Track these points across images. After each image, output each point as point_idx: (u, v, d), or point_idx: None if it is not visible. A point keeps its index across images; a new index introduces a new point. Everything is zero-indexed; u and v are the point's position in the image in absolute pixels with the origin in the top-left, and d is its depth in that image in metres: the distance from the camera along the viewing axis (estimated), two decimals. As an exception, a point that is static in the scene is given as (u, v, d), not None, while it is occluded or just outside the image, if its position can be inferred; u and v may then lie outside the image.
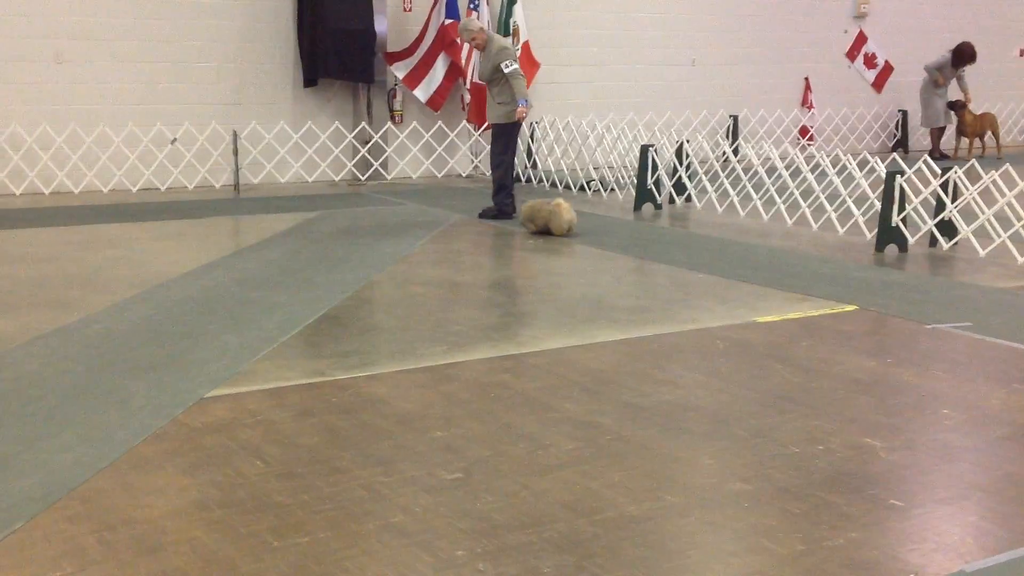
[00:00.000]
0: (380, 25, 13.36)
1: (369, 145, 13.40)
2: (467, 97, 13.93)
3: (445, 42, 13.58)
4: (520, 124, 10.47)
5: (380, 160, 13.56)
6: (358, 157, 13.45)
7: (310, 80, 13.14)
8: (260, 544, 3.41)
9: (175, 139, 12.47)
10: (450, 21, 13.50)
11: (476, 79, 13.90)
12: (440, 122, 13.85)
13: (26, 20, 11.61)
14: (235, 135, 12.62)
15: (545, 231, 9.52)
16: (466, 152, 14.25)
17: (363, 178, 13.49)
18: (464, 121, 14.04)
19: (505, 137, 10.46)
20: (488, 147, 13.36)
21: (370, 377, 5.26)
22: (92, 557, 3.32)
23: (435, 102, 13.80)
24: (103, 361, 5.46)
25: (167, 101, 12.46)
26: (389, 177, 13.71)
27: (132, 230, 9.66)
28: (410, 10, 13.66)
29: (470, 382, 5.20)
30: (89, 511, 3.65)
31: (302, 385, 5.12)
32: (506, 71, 10.19)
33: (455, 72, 13.78)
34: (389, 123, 13.67)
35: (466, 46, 13.67)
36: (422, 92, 13.71)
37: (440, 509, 3.70)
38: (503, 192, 10.51)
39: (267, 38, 12.95)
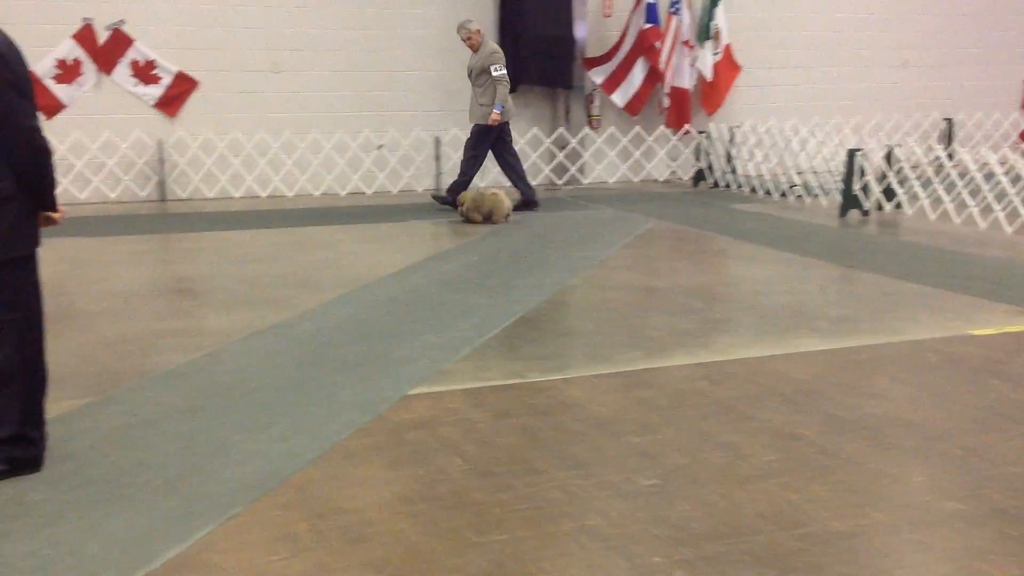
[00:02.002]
0: (580, 31, 13.45)
1: (566, 150, 13.50)
2: (665, 102, 13.83)
3: (644, 47, 13.54)
4: (496, 128, 10.93)
5: (577, 165, 13.63)
6: (555, 162, 13.56)
7: (510, 86, 13.35)
8: (460, 540, 3.49)
9: (381, 145, 12.92)
10: (650, 26, 13.45)
11: (675, 83, 13.82)
12: (638, 127, 13.80)
13: (248, 32, 12.29)
14: (437, 141, 12.97)
15: (488, 219, 10.30)
16: (663, 157, 14.14)
17: (560, 183, 13.59)
18: (662, 126, 13.93)
19: (480, 136, 10.96)
20: (685, 152, 13.36)
21: (566, 380, 5.30)
22: (304, 543, 3.48)
23: (633, 107, 13.77)
24: (313, 357, 5.72)
25: (374, 109, 12.93)
26: (586, 182, 13.77)
27: (340, 232, 10.06)
28: (610, 15, 13.69)
29: (667, 388, 5.16)
30: (302, 500, 3.83)
31: (500, 386, 5.21)
32: (495, 74, 10.84)
33: (654, 77, 13.70)
34: (586, 128, 13.72)
35: (665, 51, 13.59)
36: (620, 97, 13.71)
37: (636, 514, 3.68)
38: (464, 180, 10.99)
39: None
